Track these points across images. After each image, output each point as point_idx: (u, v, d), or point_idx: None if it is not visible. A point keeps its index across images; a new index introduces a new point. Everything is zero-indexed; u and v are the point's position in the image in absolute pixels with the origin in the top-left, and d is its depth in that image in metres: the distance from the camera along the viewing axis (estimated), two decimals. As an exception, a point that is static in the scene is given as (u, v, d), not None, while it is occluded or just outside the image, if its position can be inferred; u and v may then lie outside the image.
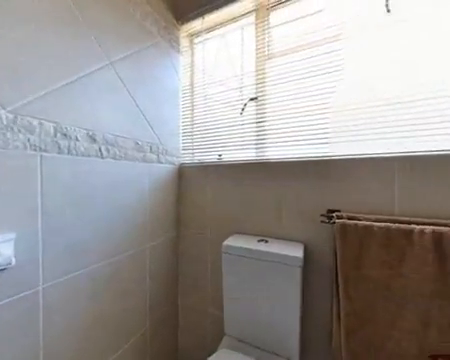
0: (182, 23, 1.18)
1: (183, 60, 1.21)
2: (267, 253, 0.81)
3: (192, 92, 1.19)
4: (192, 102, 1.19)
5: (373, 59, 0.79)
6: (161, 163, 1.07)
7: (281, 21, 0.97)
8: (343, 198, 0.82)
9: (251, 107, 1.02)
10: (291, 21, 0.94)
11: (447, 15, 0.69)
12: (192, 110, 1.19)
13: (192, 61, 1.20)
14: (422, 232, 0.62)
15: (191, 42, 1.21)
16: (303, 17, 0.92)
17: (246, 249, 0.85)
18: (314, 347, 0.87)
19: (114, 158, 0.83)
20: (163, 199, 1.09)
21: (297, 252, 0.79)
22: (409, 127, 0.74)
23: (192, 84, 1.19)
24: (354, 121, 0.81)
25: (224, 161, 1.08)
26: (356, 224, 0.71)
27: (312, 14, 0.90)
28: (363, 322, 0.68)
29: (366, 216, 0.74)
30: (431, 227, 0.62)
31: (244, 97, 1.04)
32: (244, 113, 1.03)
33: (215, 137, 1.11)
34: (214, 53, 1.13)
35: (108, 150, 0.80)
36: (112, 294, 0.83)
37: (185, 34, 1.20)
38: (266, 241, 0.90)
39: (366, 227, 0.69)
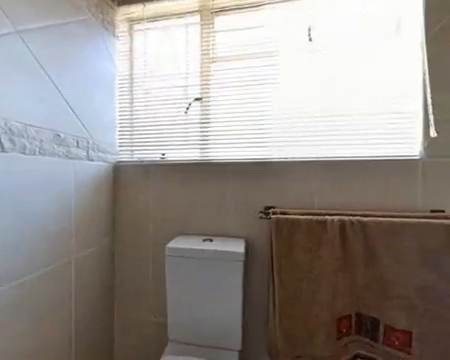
0: (118, 4, 1.05)
1: (120, 46, 1.08)
2: (211, 251, 0.83)
3: (131, 83, 1.07)
4: (131, 94, 1.07)
5: (302, 78, 0.94)
6: (91, 160, 0.92)
7: (225, 27, 1.01)
8: (278, 196, 0.93)
9: (196, 107, 1.02)
10: (235, 30, 1.00)
11: (352, 50, 0.90)
12: (131, 103, 1.07)
13: (131, 49, 1.09)
14: (332, 221, 0.78)
15: (130, 28, 1.09)
16: (246, 29, 0.98)
17: (190, 250, 0.85)
18: (255, 332, 0.95)
19: (23, 152, 0.65)
20: (94, 202, 0.94)
21: (239, 248, 0.85)
22: (327, 137, 0.91)
23: (131, 75, 1.07)
24: (288, 128, 0.94)
25: (168, 160, 1.03)
26: (287, 218, 0.82)
27: (254, 27, 0.97)
28: (292, 302, 0.79)
29: (295, 211, 0.86)
30: (338, 217, 0.79)
31: (189, 96, 1.02)
32: (188, 112, 1.02)
33: (158, 135, 1.04)
34: (157, 46, 1.06)
35: (13, 142, 0.63)
36: (22, 325, 0.65)
37: (123, 18, 1.08)
38: (211, 240, 0.92)
39: (294, 220, 0.81)
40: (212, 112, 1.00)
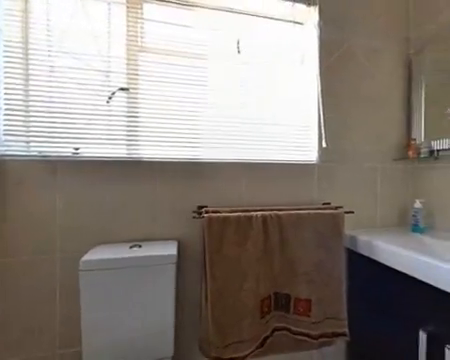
0: None
1: (9, 2, 0.81)
2: (138, 258, 0.76)
3: (26, 54, 0.82)
4: (27, 70, 0.82)
5: (230, 85, 1.00)
6: None
7: (155, 17, 0.94)
8: (210, 195, 0.96)
9: (121, 98, 0.90)
10: (165, 23, 0.95)
11: (271, 70, 1.04)
12: (27, 81, 0.82)
13: (26, 9, 0.83)
14: (257, 216, 0.88)
15: (24, -18, 0.84)
16: (176, 25, 0.95)
17: (112, 260, 0.74)
18: (188, 333, 0.94)
19: None
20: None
21: (171, 250, 0.81)
22: (251, 141, 1.01)
23: (26, 43, 0.82)
24: (219, 131, 0.98)
25: (83, 157, 0.86)
26: (218, 216, 0.86)
27: (184, 26, 0.96)
28: (223, 294, 0.83)
29: (225, 209, 0.91)
30: (261, 213, 0.90)
31: (112, 84, 0.89)
32: (112, 103, 0.89)
33: (68, 125, 0.85)
34: (68, 17, 0.86)
35: None
36: None
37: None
38: (139, 246, 0.84)
39: (225, 218, 0.86)
40: (141, 106, 0.92)
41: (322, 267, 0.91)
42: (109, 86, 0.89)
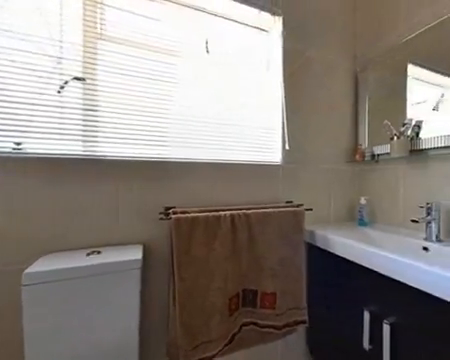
0: None
1: None
2: (95, 266, 0.69)
3: None
4: None
5: (200, 84, 0.99)
6: None
7: (118, 4, 0.87)
8: (178, 196, 0.93)
9: (76, 89, 0.81)
10: (130, 12, 0.88)
11: (240, 74, 1.06)
12: None
13: None
14: (225, 216, 0.89)
15: None
16: (141, 16, 0.90)
17: (62, 270, 0.65)
18: (153, 339, 0.89)
19: None
20: None
21: (135, 254, 0.76)
22: (220, 141, 1.02)
23: None
24: (187, 130, 0.95)
25: (27, 153, 0.74)
26: (187, 217, 0.84)
27: (151, 18, 0.91)
28: (191, 295, 0.82)
29: (194, 209, 0.90)
30: (229, 212, 0.91)
31: (65, 72, 0.79)
32: (65, 94, 0.79)
33: (8, 115, 0.72)
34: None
35: None
36: None
37: None
38: (98, 252, 0.77)
39: (194, 218, 0.85)
40: (100, 98, 0.84)
41: (286, 261, 0.97)
42: (61, 74, 0.79)
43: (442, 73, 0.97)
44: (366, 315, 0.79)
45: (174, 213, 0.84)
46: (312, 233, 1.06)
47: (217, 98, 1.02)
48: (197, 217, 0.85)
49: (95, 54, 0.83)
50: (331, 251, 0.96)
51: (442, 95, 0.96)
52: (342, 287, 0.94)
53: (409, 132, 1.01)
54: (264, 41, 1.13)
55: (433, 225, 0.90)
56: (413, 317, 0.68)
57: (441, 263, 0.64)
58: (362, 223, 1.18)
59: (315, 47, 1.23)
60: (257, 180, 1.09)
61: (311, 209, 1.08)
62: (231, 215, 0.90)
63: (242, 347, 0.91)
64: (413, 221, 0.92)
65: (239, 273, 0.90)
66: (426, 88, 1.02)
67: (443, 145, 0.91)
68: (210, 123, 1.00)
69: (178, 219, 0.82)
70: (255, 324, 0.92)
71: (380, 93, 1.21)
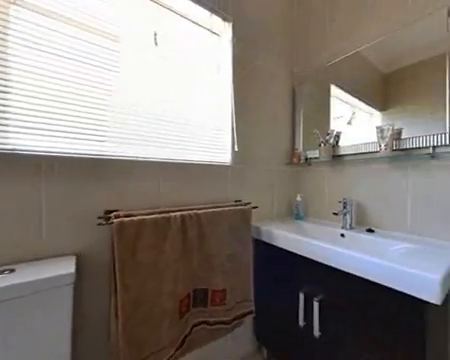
0: None
1: None
2: (5, 289, 0.54)
3: None
4: None
5: (148, 76, 0.92)
6: None
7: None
8: (121, 198, 0.84)
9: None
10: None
11: (190, 74, 1.04)
12: None
13: None
14: (175, 217, 0.86)
15: None
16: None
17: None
18: (94, 356, 0.78)
19: None
20: None
21: (66, 268, 0.64)
22: (170, 139, 0.98)
23: None
24: (132, 125, 0.87)
25: None
26: (132, 220, 0.77)
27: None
28: (137, 304, 0.76)
29: (141, 211, 0.83)
30: (180, 213, 0.89)
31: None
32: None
33: None
34: None
35: None
36: None
37: None
38: (12, 270, 0.61)
39: (140, 221, 0.78)
40: (14, 79, 0.67)
41: (235, 257, 1.01)
42: None
43: (353, 95, 1.21)
44: (301, 296, 0.91)
45: (116, 217, 0.76)
46: (258, 229, 1.15)
47: (167, 95, 0.97)
48: (144, 220, 0.79)
49: (7, 21, 0.66)
50: (274, 244, 1.06)
51: (353, 113, 1.20)
52: (283, 275, 1.05)
53: (331, 140, 1.22)
54: (216, 44, 1.15)
55: (347, 216, 1.11)
56: (335, 292, 0.82)
57: (353, 246, 0.80)
58: (298, 217, 1.35)
59: (261, 57, 1.33)
60: (208, 180, 1.10)
61: (257, 207, 1.16)
62: (182, 216, 0.87)
63: (193, 348, 0.90)
64: (334, 214, 1.12)
65: (190, 273, 0.89)
66: (343, 106, 1.26)
67: (353, 152, 1.15)
68: (160, 120, 0.95)
69: (121, 223, 0.74)
70: (206, 323, 0.92)
71: (312, 105, 1.42)
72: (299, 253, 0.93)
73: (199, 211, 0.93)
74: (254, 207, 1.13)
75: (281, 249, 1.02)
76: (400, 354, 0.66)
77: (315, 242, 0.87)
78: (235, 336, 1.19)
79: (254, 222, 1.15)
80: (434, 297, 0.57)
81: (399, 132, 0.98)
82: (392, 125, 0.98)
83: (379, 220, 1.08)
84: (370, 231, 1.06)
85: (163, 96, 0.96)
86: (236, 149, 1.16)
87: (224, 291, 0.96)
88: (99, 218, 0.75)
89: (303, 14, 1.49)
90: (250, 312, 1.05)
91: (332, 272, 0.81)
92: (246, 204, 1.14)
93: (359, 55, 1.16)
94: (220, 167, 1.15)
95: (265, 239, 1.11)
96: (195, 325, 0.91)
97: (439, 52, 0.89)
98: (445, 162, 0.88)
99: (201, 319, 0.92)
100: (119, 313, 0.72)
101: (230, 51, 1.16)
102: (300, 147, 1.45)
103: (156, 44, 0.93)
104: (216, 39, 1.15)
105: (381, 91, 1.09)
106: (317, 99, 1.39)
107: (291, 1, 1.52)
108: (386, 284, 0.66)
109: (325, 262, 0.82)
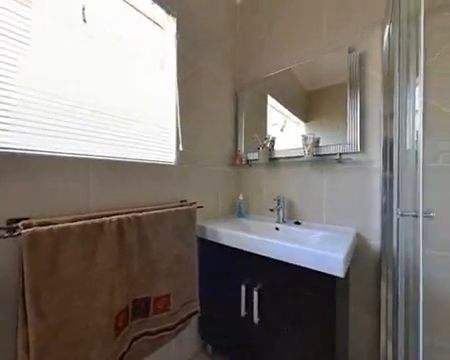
0: None
1: None
2: None
3: None
4: None
5: (75, 58, 0.77)
6: None
7: None
8: (34, 203, 0.66)
9: None
10: None
11: (129, 65, 0.93)
12: None
13: None
14: (110, 222, 0.76)
15: None
16: None
17: None
18: None
19: None
20: None
21: None
22: (104, 134, 0.85)
23: None
24: (49, 113, 0.71)
25: None
26: (51, 229, 0.62)
27: None
28: (59, 330, 0.62)
29: (64, 218, 0.69)
30: (116, 216, 0.78)
31: None
32: None
33: None
34: None
35: None
36: None
37: None
38: None
39: (62, 229, 0.64)
40: None
41: (180, 259, 0.98)
42: None
43: (285, 106, 1.38)
44: (243, 288, 0.97)
45: (26, 226, 0.60)
46: (203, 228, 1.15)
47: (101, 83, 0.84)
48: (67, 228, 0.66)
49: None
50: (218, 242, 1.08)
51: (285, 121, 1.38)
52: (226, 271, 1.09)
53: (268, 144, 1.36)
54: (159, 37, 1.08)
55: (281, 212, 1.26)
56: (271, 280, 0.92)
57: (285, 237, 0.92)
58: (240, 215, 1.44)
59: (206, 60, 1.34)
60: (152, 180, 1.02)
61: (202, 206, 1.17)
62: (118, 220, 0.77)
63: (132, 364, 0.82)
64: (270, 210, 1.25)
65: (129, 282, 0.80)
66: (278, 114, 1.42)
67: (285, 156, 1.32)
68: (93, 111, 0.81)
69: (33, 234, 0.59)
70: (148, 334, 0.85)
71: (252, 111, 1.54)
72: (241, 248, 0.99)
73: (140, 214, 0.85)
74: (199, 207, 1.13)
75: (225, 246, 1.06)
76: (319, 321, 0.80)
77: (253, 236, 0.95)
78: (179, 339, 1.15)
79: (199, 221, 1.15)
80: (340, 272, 0.72)
81: (317, 141, 1.19)
82: (313, 134, 1.18)
83: (304, 213, 1.28)
84: (297, 223, 1.23)
85: (96, 84, 0.83)
86: (181, 149, 1.13)
87: (168, 296, 0.91)
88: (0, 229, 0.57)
89: (244, 27, 1.59)
90: (195, 312, 1.04)
91: (268, 262, 0.90)
92: (191, 204, 1.12)
93: (290, 72, 1.34)
94: (164, 167, 1.09)
95: (210, 237, 1.12)
96: (135, 338, 0.82)
97: (343, 80, 1.13)
98: (347, 166, 1.12)
99: (142, 331, 0.84)
100: (31, 347, 0.57)
101: (174, 47, 1.12)
102: (242, 149, 1.54)
103: (84, 21, 0.79)
104: (159, 32, 1.08)
105: (305, 105, 1.29)
106: (256, 106, 1.52)
107: (234, 14, 1.60)
108: (308, 266, 0.79)
109: (263, 253, 0.91)
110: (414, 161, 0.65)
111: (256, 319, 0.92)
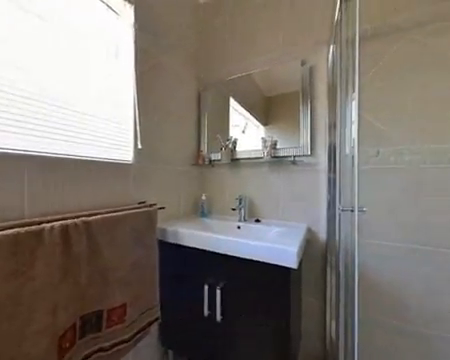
0: None
1: None
2: None
3: None
4: None
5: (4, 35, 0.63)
6: None
7: None
8: None
9: None
10: None
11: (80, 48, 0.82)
12: None
13: None
14: (52, 228, 0.65)
15: None
16: None
17: None
18: None
19: None
20: None
21: None
22: (46, 128, 0.73)
23: None
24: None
25: None
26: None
27: None
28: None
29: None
30: (60, 222, 0.68)
31: None
32: None
33: None
34: None
35: None
36: None
37: None
38: None
39: (-16, 241, 0.53)
40: None
41: (138, 265, 0.91)
42: None
43: (246, 109, 1.44)
44: (206, 288, 0.97)
45: None
46: (164, 230, 1.10)
47: (40, 66, 0.72)
48: (-8, 238, 0.54)
49: None
50: (180, 243, 1.06)
51: (246, 123, 1.43)
52: (189, 272, 1.07)
53: (230, 145, 1.40)
54: (114, 23, 0.98)
55: (242, 210, 1.31)
56: (233, 277, 0.94)
57: (245, 235, 0.95)
58: (203, 215, 1.43)
59: (167, 55, 1.29)
60: (105, 180, 0.92)
61: (163, 207, 1.12)
62: (62, 226, 0.68)
63: (81, 388, 0.73)
64: (232, 209, 1.28)
65: (76, 297, 0.71)
66: (239, 116, 1.46)
67: (246, 157, 1.38)
68: (31, 100, 0.69)
69: None
70: (101, 350, 0.77)
71: (215, 111, 1.55)
72: (203, 248, 0.99)
73: (90, 218, 0.76)
74: (160, 208, 1.08)
75: (187, 247, 1.04)
76: (275, 312, 0.86)
77: (216, 235, 0.96)
78: (138, 349, 1.08)
79: (160, 223, 1.10)
80: (294, 264, 0.79)
81: (275, 143, 1.28)
82: (271, 137, 1.26)
83: (263, 211, 1.35)
84: (257, 221, 1.30)
85: (37, 67, 0.70)
86: (140, 146, 1.06)
87: (124, 306, 0.84)
88: None
89: (208, 28, 1.59)
90: (156, 319, 0.99)
91: (231, 260, 0.92)
92: (151, 205, 1.06)
93: (251, 77, 1.40)
94: (121, 166, 1.00)
95: (171, 240, 1.09)
96: (87, 356, 0.74)
97: (297, 89, 1.24)
98: (300, 167, 1.24)
99: (95, 347, 0.76)
100: None
101: (132, 37, 1.04)
102: (205, 149, 1.54)
103: (17, -8, 0.66)
104: (114, 18, 0.99)
105: (265, 109, 1.37)
106: (219, 106, 1.53)
107: (197, 14, 1.59)
108: (266, 261, 0.84)
109: (225, 252, 0.93)
110: (351, 164, 0.76)
111: (219, 317, 0.94)
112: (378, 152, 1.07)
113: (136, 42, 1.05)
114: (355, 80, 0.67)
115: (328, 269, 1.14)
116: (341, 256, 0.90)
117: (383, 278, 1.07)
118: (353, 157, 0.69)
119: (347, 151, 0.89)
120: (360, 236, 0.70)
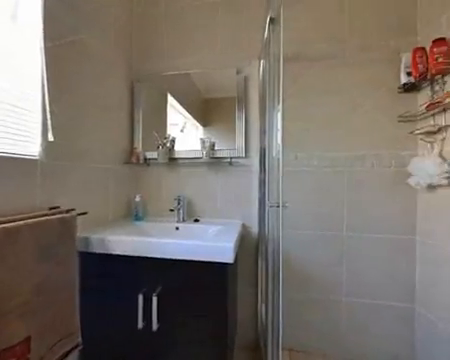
0: None
1: None
2: None
3: None
4: None
5: None
6: None
7: None
8: None
9: None
10: None
11: None
12: None
13: None
14: None
15: None
16: None
17: None
18: None
19: None
20: None
21: None
22: None
23: None
24: None
25: None
26: None
27: None
28: None
29: None
30: None
31: None
32: None
33: None
34: None
35: None
36: None
37: None
38: None
39: None
40: None
41: (47, 285, 0.73)
42: None
43: (185, 108, 1.42)
44: (140, 298, 0.89)
45: None
46: (87, 239, 0.94)
47: None
48: None
49: None
50: (109, 252, 0.92)
51: (185, 123, 1.41)
52: (120, 283, 0.95)
53: (168, 144, 1.34)
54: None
55: (181, 211, 1.28)
56: (171, 281, 0.90)
57: (185, 236, 0.94)
58: (137, 218, 1.31)
59: (92, 31, 1.10)
60: (-9, 180, 0.69)
61: (86, 213, 0.94)
62: None
63: None
64: (171, 210, 1.23)
65: None
66: (178, 115, 1.42)
67: (185, 156, 1.36)
68: None
69: None
70: None
71: (151, 107, 1.44)
72: (137, 254, 0.90)
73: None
74: (81, 213, 0.91)
75: (117, 256, 0.92)
76: (214, 308, 0.88)
77: (149, 239, 0.90)
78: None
79: (82, 232, 0.92)
80: (230, 259, 0.84)
81: (213, 145, 1.32)
82: (210, 138, 1.29)
83: (202, 211, 1.37)
84: (196, 221, 1.30)
85: None
86: (51, 138, 0.85)
87: (27, 340, 0.66)
88: None
89: (144, 15, 1.47)
90: (75, 346, 0.83)
91: (168, 263, 0.88)
92: (68, 211, 0.88)
93: (189, 76, 1.38)
94: (22, 162, 0.78)
95: (97, 250, 0.93)
96: None
97: (233, 95, 1.32)
98: (236, 168, 1.33)
99: None
100: None
101: (39, 2, 0.83)
102: (139, 146, 1.41)
103: None
104: (10, -31, 0.76)
105: (203, 111, 1.39)
106: (156, 102, 1.44)
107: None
108: (204, 259, 0.85)
109: (162, 256, 0.88)
110: (277, 166, 0.87)
111: (155, 327, 0.88)
112: (296, 156, 1.29)
113: (45, 5, 0.84)
114: (279, 94, 0.78)
115: (259, 258, 1.28)
116: (270, 245, 1.02)
117: (298, 260, 1.30)
118: (278, 160, 0.80)
119: (274, 154, 1.02)
120: (284, 227, 0.81)
